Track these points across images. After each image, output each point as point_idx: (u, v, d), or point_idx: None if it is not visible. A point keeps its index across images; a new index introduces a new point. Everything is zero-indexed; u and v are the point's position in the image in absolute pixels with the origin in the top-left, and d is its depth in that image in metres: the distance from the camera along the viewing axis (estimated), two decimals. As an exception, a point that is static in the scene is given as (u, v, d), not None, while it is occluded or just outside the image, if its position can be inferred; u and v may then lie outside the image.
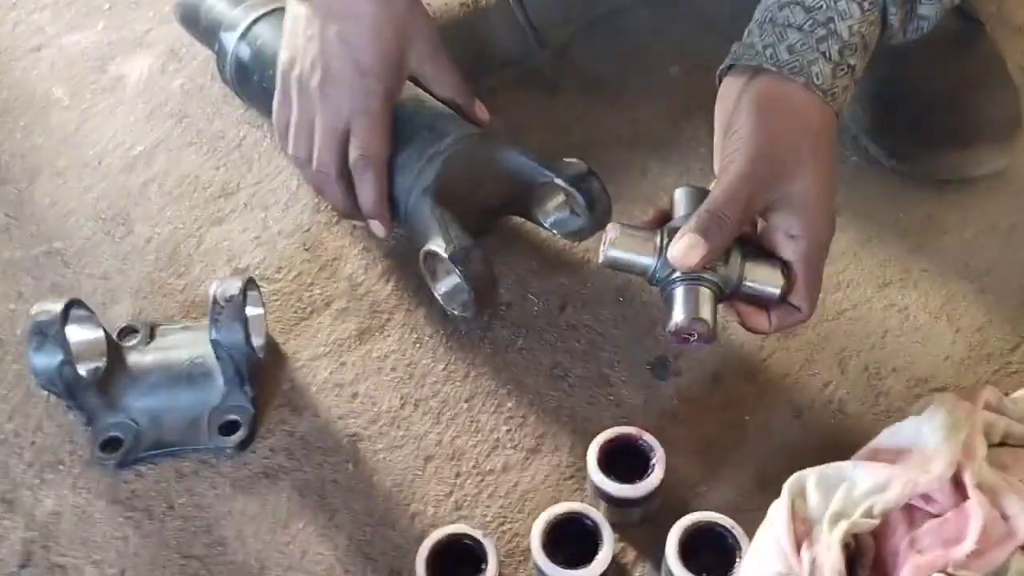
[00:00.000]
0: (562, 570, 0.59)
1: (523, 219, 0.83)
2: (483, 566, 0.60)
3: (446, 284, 0.76)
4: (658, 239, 0.62)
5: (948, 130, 0.83)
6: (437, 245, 0.71)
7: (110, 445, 0.71)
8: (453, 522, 0.66)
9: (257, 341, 0.73)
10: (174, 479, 0.70)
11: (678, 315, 0.61)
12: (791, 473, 0.60)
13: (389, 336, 0.78)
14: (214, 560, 0.66)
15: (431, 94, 0.80)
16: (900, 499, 0.56)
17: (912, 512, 0.57)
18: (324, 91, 0.74)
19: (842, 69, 0.64)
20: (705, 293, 0.61)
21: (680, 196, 0.66)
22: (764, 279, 0.63)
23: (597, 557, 0.60)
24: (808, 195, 0.62)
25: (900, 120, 0.85)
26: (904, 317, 0.77)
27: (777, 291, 0.63)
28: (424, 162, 0.75)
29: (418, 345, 0.77)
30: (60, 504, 0.69)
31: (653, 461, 0.64)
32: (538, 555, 0.60)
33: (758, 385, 0.73)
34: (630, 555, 0.65)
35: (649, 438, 0.65)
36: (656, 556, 0.64)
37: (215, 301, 0.68)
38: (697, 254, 0.59)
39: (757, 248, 0.64)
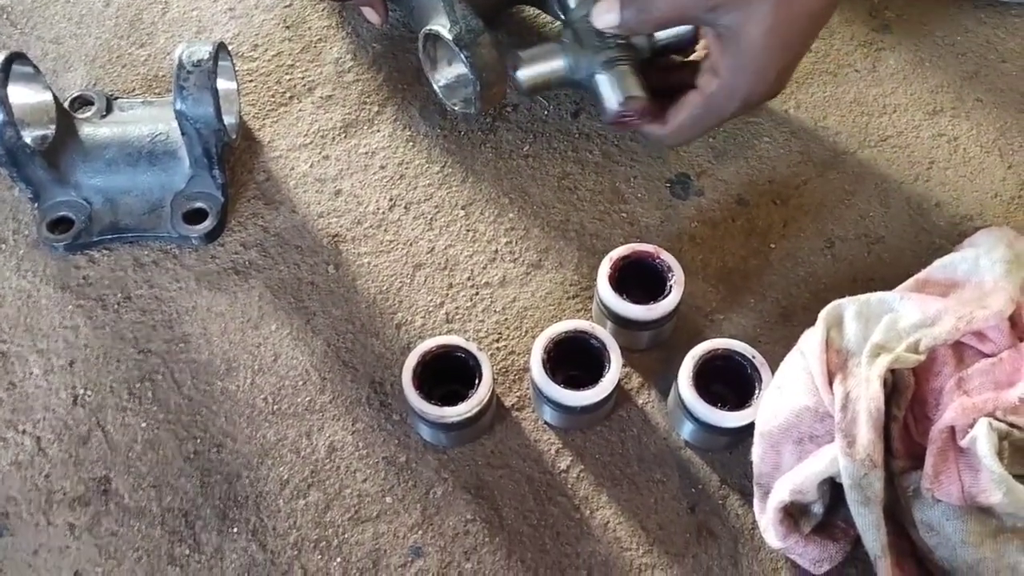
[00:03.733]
0: (564, 390, 0.53)
1: (538, 10, 0.73)
2: (476, 381, 0.54)
3: (448, 73, 0.66)
4: (564, 39, 0.63)
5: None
6: (441, 26, 0.61)
7: (59, 225, 0.63)
8: (444, 335, 0.59)
9: (229, 120, 0.64)
10: (131, 268, 0.63)
11: (609, 101, 0.61)
12: (817, 306, 0.53)
13: (379, 131, 0.69)
14: (175, 357, 0.59)
15: None
16: (951, 335, 0.50)
17: (962, 351, 0.51)
18: None
19: None
20: (626, 71, 0.62)
21: None
22: (679, 33, 0.63)
23: (603, 379, 0.54)
24: (753, 43, 0.56)
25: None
26: (953, 149, 0.69)
27: (691, 34, 0.63)
28: None
29: (411, 143, 0.69)
30: (2, 287, 0.62)
31: (670, 282, 0.57)
32: (538, 374, 0.54)
33: (788, 211, 0.66)
34: (635, 381, 0.59)
35: (667, 256, 0.58)
36: (664, 384, 0.59)
37: (181, 65, 0.59)
38: (609, 20, 0.59)
39: None
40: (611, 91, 0.61)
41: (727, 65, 0.58)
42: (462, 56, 0.61)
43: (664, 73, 0.64)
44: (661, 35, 0.63)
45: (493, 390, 0.55)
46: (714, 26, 0.57)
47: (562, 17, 0.67)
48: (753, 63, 0.57)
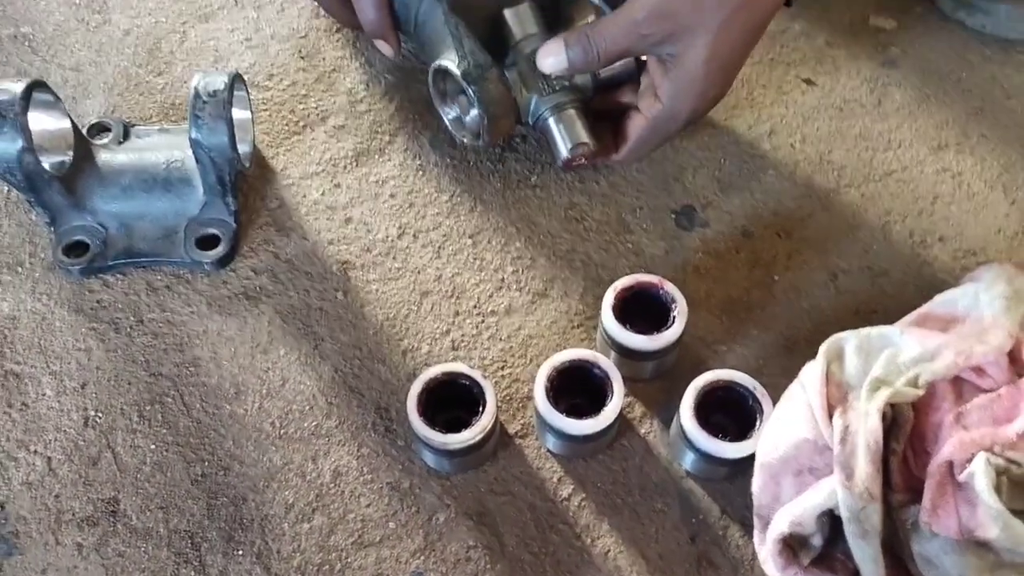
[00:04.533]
0: (566, 419, 0.54)
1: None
2: (479, 408, 0.54)
3: (457, 107, 0.68)
4: (511, 83, 0.64)
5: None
6: (449, 61, 0.63)
7: (75, 249, 0.64)
8: (449, 361, 0.60)
9: (243, 148, 0.65)
10: (145, 292, 0.64)
11: (559, 148, 0.63)
12: (820, 338, 0.54)
13: (390, 160, 0.71)
14: (185, 380, 0.60)
15: None
16: (950, 370, 0.50)
17: (961, 386, 0.51)
18: None
19: None
20: (573, 115, 0.63)
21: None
22: (621, 68, 0.64)
23: (605, 408, 0.54)
24: (693, 68, 0.58)
25: (976, -33, 0.76)
26: (957, 184, 0.70)
27: (634, 67, 0.64)
28: None
29: (421, 172, 0.70)
30: (17, 309, 0.63)
31: (674, 313, 0.58)
32: (541, 402, 0.55)
33: (792, 244, 0.67)
34: (638, 410, 0.60)
35: (671, 287, 0.59)
36: (666, 414, 0.59)
37: (197, 95, 0.60)
38: (555, 63, 0.60)
39: None
40: (560, 138, 0.63)
41: (669, 90, 0.60)
42: (470, 91, 0.62)
43: (607, 96, 0.66)
44: (604, 71, 0.64)
45: (497, 417, 0.56)
46: (656, 55, 0.59)
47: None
48: (694, 87, 0.59)
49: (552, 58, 0.60)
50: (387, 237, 0.67)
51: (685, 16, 0.56)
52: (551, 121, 0.63)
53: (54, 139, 0.63)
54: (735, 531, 0.55)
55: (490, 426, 0.54)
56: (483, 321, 0.63)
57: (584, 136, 0.63)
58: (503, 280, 0.65)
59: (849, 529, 0.48)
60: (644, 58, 0.63)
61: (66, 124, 0.64)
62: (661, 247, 0.67)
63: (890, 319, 0.56)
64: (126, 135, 0.69)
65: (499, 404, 0.59)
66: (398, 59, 0.73)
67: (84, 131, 0.68)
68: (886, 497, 0.49)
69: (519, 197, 0.69)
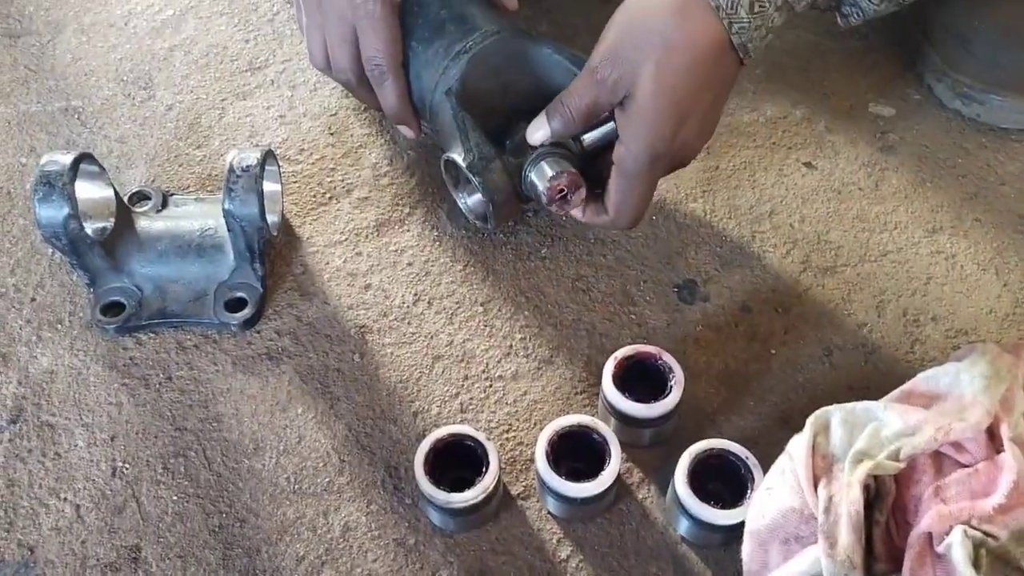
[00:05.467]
0: (565, 482, 0.57)
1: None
2: (483, 470, 0.57)
3: (466, 194, 0.72)
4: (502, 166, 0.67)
5: (1022, 74, 0.78)
6: (457, 153, 0.67)
7: (112, 309, 0.69)
8: (457, 424, 0.63)
9: (272, 218, 0.70)
10: (174, 351, 0.68)
11: (542, 180, 0.65)
12: (813, 411, 0.56)
13: (409, 230, 0.75)
14: (208, 435, 0.64)
15: None
16: (930, 444, 0.52)
17: (940, 460, 0.54)
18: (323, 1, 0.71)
19: None
20: (550, 160, 0.65)
21: None
22: (603, 131, 0.65)
23: (603, 472, 0.57)
24: (642, 103, 0.61)
25: (971, 59, 0.80)
26: (951, 265, 0.72)
27: (614, 130, 0.65)
28: (449, 60, 0.69)
29: (438, 243, 0.74)
30: (56, 364, 0.67)
31: (671, 383, 0.61)
32: (541, 465, 0.58)
33: (789, 319, 0.70)
34: (636, 476, 0.62)
35: (668, 358, 0.62)
36: (663, 480, 0.62)
37: (231, 169, 0.65)
38: (542, 135, 0.65)
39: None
40: (537, 179, 0.65)
41: (626, 132, 0.62)
42: (475, 180, 0.66)
43: (595, 164, 0.67)
44: (588, 138, 0.66)
45: (500, 479, 0.59)
46: (617, 102, 0.62)
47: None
48: (646, 122, 0.61)
49: (539, 131, 0.65)
50: (403, 303, 0.71)
51: (629, 52, 0.60)
52: (529, 170, 0.66)
53: (98, 206, 0.68)
54: (726, 596, 0.57)
55: (492, 487, 0.57)
56: (491, 385, 0.66)
57: (558, 168, 0.64)
58: (511, 347, 0.68)
59: (832, 597, 0.50)
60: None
61: (109, 193, 0.68)
62: (663, 319, 0.70)
63: (882, 395, 0.59)
64: (164, 203, 0.74)
65: (503, 466, 0.62)
66: (418, 139, 0.78)
67: (126, 199, 0.73)
68: (869, 566, 0.51)
69: (529, 268, 0.73)
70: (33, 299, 0.70)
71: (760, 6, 0.60)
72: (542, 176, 0.65)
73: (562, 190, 0.64)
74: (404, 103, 0.72)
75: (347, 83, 0.75)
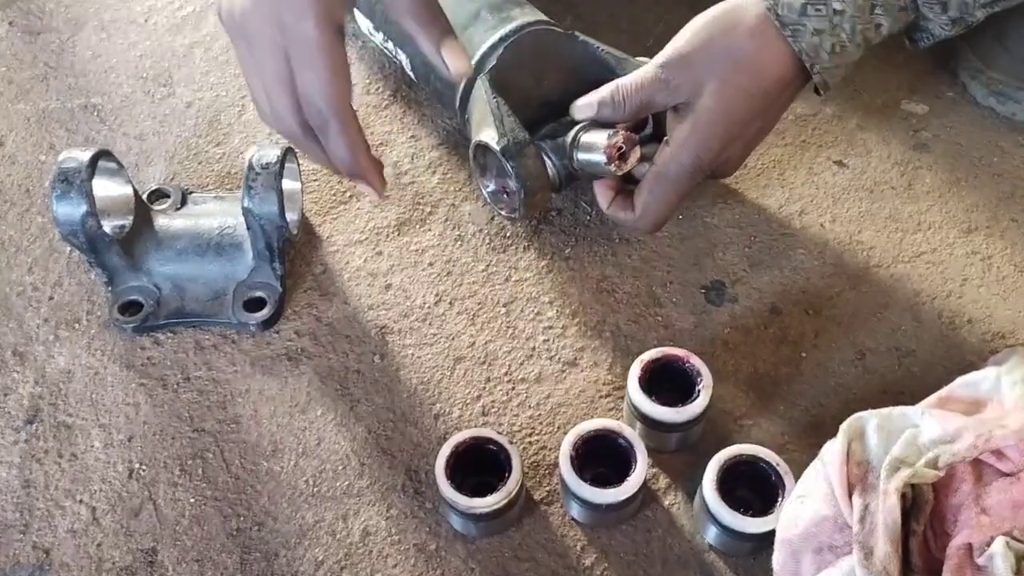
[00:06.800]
0: (590, 487, 0.55)
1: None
2: (506, 474, 0.56)
3: (495, 181, 0.71)
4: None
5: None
6: (490, 137, 0.66)
7: (130, 308, 0.68)
8: (478, 427, 0.62)
9: (291, 217, 0.69)
10: (193, 351, 0.67)
11: (600, 140, 0.64)
12: (846, 416, 0.55)
13: (430, 230, 0.74)
14: (226, 436, 0.63)
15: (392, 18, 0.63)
16: (970, 452, 0.50)
17: (981, 468, 0.52)
18: (248, 28, 0.56)
19: (818, 8, 0.59)
20: (599, 126, 0.66)
21: None
22: (596, 160, 0.65)
23: (629, 478, 0.56)
24: (700, 115, 0.61)
25: (1006, 56, 0.78)
26: (986, 267, 0.70)
27: (650, 130, 0.68)
28: (485, 47, 0.69)
29: (459, 242, 0.73)
30: (73, 363, 0.66)
31: (699, 387, 0.59)
32: (565, 469, 0.56)
33: (820, 322, 0.68)
34: (662, 482, 0.61)
35: (697, 361, 0.60)
36: (690, 486, 0.60)
37: (251, 167, 0.64)
38: (587, 112, 0.65)
39: None
40: (594, 140, 0.65)
41: (677, 136, 0.63)
42: (508, 166, 0.65)
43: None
44: (582, 159, 0.66)
45: (522, 483, 0.57)
46: (673, 105, 0.63)
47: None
48: (699, 134, 0.62)
49: (585, 109, 0.65)
50: (424, 304, 0.69)
51: (699, 62, 0.61)
52: (580, 136, 0.66)
53: (116, 204, 0.67)
54: (756, 607, 0.56)
55: (515, 491, 0.56)
56: (513, 388, 0.65)
57: (611, 129, 0.65)
58: (534, 349, 0.67)
59: (867, 608, 0.48)
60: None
61: (128, 191, 0.68)
62: (690, 321, 0.68)
63: (917, 400, 0.57)
64: (183, 201, 0.73)
65: (526, 471, 0.60)
66: (383, 199, 0.70)
67: (145, 197, 0.72)
68: (906, 577, 0.50)
69: (552, 268, 0.71)
70: (51, 298, 0.70)
71: (841, 46, 0.60)
72: (598, 138, 0.64)
73: (620, 147, 0.63)
74: (358, 152, 0.58)
75: (293, 137, 0.59)
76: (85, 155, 0.63)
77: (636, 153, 0.64)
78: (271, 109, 0.58)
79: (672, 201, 0.65)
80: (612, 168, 0.64)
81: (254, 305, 0.68)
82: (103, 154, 0.65)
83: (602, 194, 0.68)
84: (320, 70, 0.55)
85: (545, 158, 0.67)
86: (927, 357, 0.66)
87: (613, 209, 0.67)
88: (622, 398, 0.64)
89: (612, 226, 0.73)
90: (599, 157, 0.64)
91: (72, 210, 0.63)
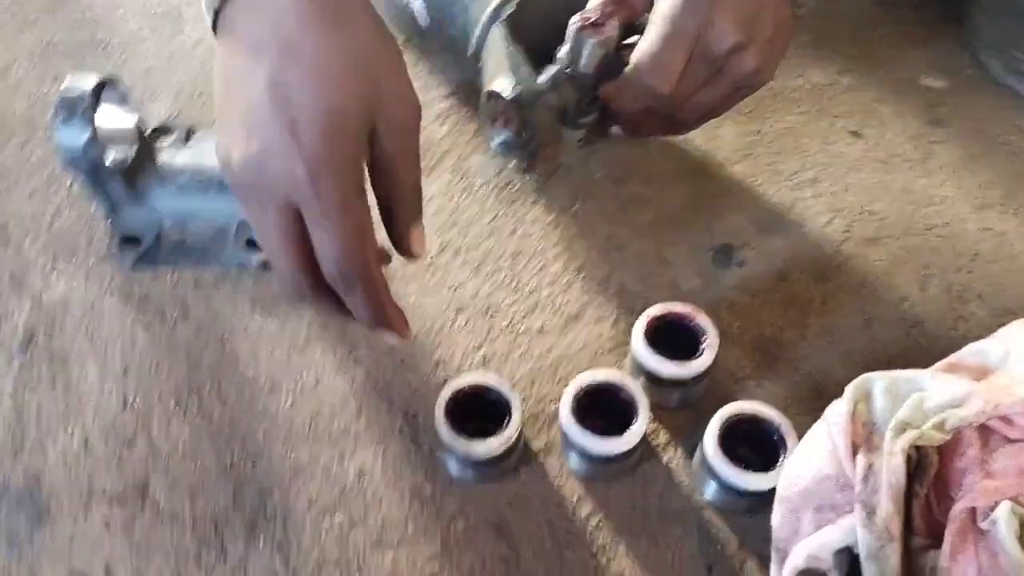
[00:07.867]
0: (590, 437, 0.55)
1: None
2: (506, 420, 0.55)
3: (505, 131, 0.69)
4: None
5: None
6: (502, 86, 0.65)
7: (129, 242, 0.66)
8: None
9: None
10: (192, 287, 0.66)
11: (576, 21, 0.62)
12: (850, 382, 0.54)
13: (438, 179, 0.73)
14: (223, 373, 0.62)
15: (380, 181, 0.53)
16: (978, 417, 0.50)
17: (988, 434, 0.51)
18: (251, 182, 0.49)
19: None
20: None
21: None
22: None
23: (630, 429, 0.55)
24: None
25: (1029, 34, 0.77)
26: (999, 243, 0.70)
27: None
28: None
29: (466, 193, 0.72)
30: (70, 293, 0.65)
31: (704, 344, 0.59)
32: (566, 419, 0.55)
33: (828, 288, 0.67)
34: (662, 438, 0.60)
35: (703, 319, 0.59)
36: (690, 443, 0.59)
37: (259, 101, 0.62)
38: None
39: None
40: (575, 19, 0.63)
41: None
42: (521, 115, 0.64)
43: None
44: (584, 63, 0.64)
45: (521, 432, 0.57)
46: None
47: None
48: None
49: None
50: (428, 252, 0.68)
51: None
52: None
53: (119, 134, 0.66)
54: (752, 565, 0.55)
55: (515, 438, 0.55)
56: (515, 340, 0.64)
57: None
58: (538, 302, 0.66)
59: (867, 569, 0.48)
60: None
61: (132, 121, 0.66)
62: (697, 282, 0.67)
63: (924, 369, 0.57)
64: (188, 138, 0.72)
65: (525, 421, 0.60)
66: (408, 341, 0.57)
67: (149, 131, 0.71)
68: (906, 540, 0.49)
69: (560, 224, 0.70)
70: (50, 227, 0.68)
71: None
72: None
73: (588, 16, 0.61)
74: (383, 309, 0.51)
75: (303, 300, 0.52)
76: (89, 83, 0.62)
77: (613, 22, 0.62)
78: (278, 273, 0.51)
79: (676, 45, 0.58)
80: (590, 39, 0.61)
81: (256, 244, 0.67)
82: (108, 83, 0.64)
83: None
84: (347, 231, 0.47)
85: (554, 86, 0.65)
86: (934, 329, 0.65)
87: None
88: (625, 354, 0.63)
89: (621, 185, 0.72)
90: (573, 31, 0.62)
91: (74, 137, 0.61)
